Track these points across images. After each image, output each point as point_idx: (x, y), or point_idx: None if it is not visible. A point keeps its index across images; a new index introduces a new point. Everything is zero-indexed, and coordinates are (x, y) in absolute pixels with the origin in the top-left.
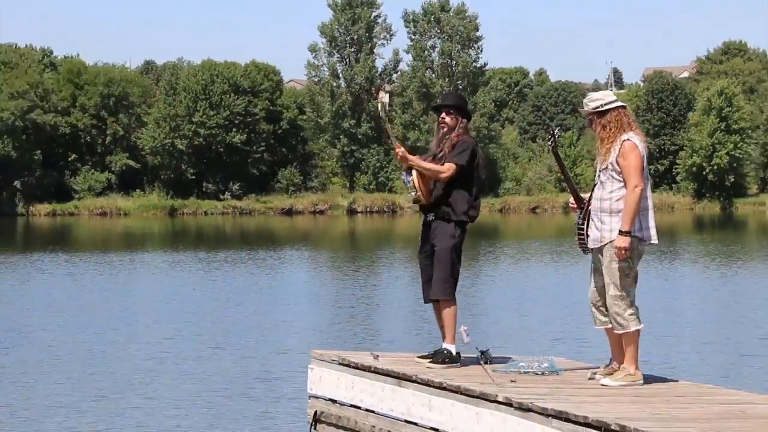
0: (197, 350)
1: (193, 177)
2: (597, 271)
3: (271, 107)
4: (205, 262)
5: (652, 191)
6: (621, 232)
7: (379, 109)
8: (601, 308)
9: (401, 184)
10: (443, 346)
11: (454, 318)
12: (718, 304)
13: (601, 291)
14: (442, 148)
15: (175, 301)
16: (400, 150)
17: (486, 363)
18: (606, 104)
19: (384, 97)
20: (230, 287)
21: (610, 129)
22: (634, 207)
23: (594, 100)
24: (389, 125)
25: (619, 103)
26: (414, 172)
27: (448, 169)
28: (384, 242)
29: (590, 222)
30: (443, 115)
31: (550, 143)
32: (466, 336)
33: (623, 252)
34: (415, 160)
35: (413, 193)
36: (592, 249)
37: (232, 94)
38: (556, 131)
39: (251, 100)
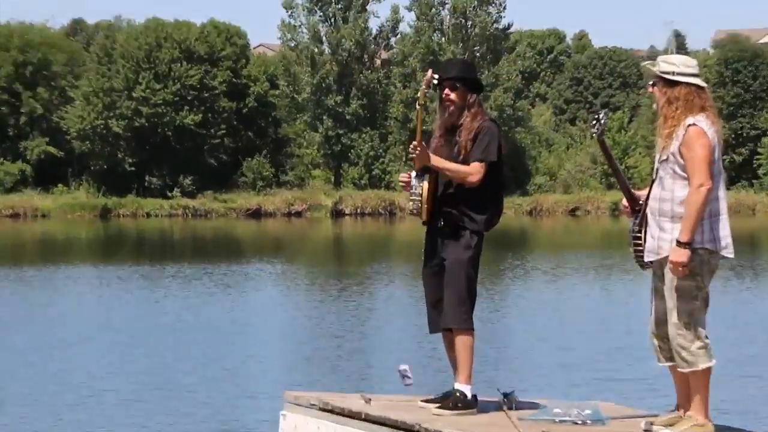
0: (136, 394)
1: (133, 169)
2: (657, 291)
3: (233, 79)
4: (148, 279)
5: (727, 189)
6: (678, 243)
7: (422, 90)
8: (665, 339)
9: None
10: (455, 387)
11: (471, 351)
12: None
13: (664, 317)
14: (457, 140)
15: (108, 329)
16: (422, 147)
17: (510, 409)
18: (681, 74)
19: (431, 78)
20: (180, 312)
21: (677, 108)
22: (697, 211)
23: (670, 63)
24: (422, 112)
25: (698, 81)
26: (427, 178)
27: (476, 171)
28: (379, 254)
29: (647, 228)
30: (446, 90)
31: (595, 130)
32: (406, 378)
33: (681, 269)
34: (438, 161)
35: (414, 205)
36: (650, 263)
37: (184, 63)
38: (602, 115)
39: (209, 71)
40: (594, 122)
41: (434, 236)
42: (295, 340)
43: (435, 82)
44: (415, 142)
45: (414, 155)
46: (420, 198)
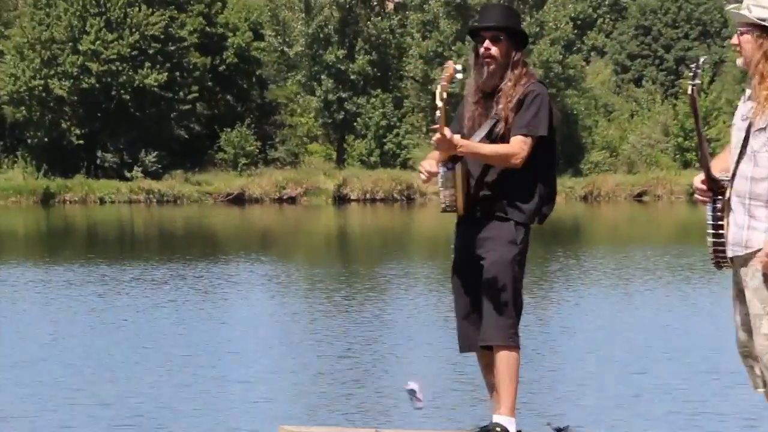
0: (96, 428)
1: (81, 142)
2: (741, 296)
3: (207, 28)
4: (103, 284)
5: None
6: None
7: (442, 87)
8: (756, 358)
9: (421, 154)
10: (495, 420)
11: (516, 375)
12: None
13: (751, 329)
14: (494, 106)
15: (53, 349)
16: (447, 133)
17: None
18: None
19: (454, 71)
20: (144, 325)
21: None
22: None
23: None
24: (445, 110)
25: None
26: (458, 167)
27: (519, 149)
28: (394, 251)
29: (731, 215)
30: (486, 43)
31: (695, 81)
32: (415, 399)
33: None
34: (469, 147)
35: (448, 198)
36: (731, 259)
37: (144, 7)
38: (702, 61)
39: (175, 17)
40: (694, 68)
41: (468, 230)
42: (292, 362)
43: (459, 76)
44: (437, 135)
45: (437, 148)
46: (453, 189)
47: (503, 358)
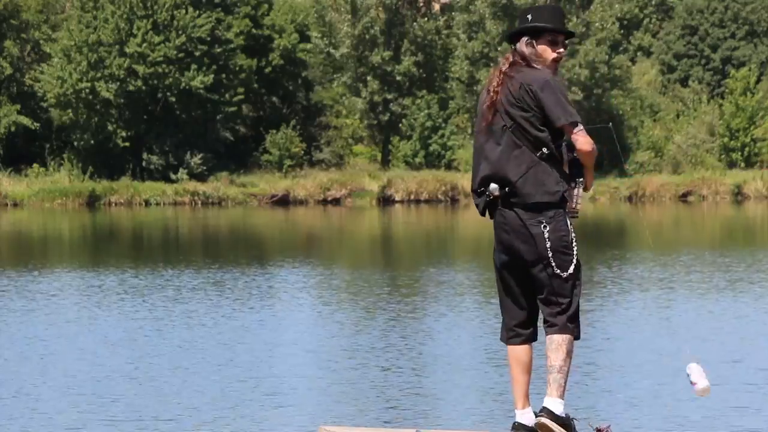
0: (139, 427)
1: (127, 144)
2: None
3: (254, 30)
4: (147, 288)
5: None
6: None
7: None
8: None
9: (466, 155)
10: (546, 405)
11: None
12: None
13: None
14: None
15: (101, 348)
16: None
17: None
18: None
19: None
20: (190, 328)
21: None
22: None
23: None
24: None
25: None
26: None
27: (585, 142)
28: (439, 253)
29: None
30: (562, 49)
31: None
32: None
33: None
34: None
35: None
36: None
37: (191, 9)
38: None
39: (221, 19)
40: None
41: (516, 224)
42: (334, 365)
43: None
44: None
45: None
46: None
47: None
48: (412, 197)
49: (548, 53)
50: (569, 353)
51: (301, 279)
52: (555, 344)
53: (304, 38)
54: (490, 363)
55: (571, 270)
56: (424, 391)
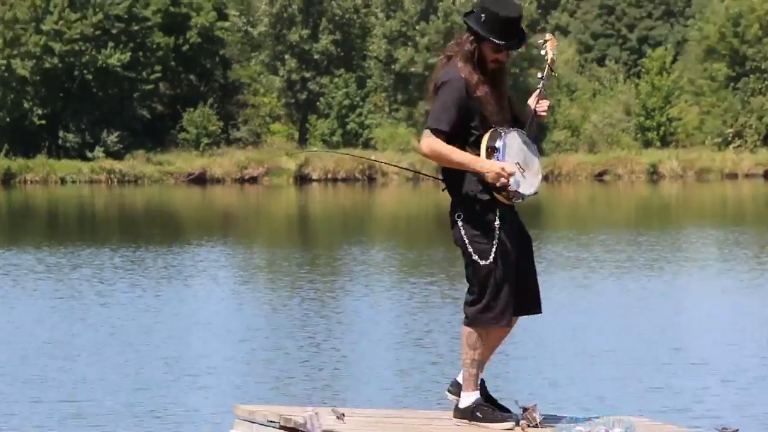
0: (50, 412)
1: (43, 122)
2: None
3: (171, 8)
4: (63, 266)
5: None
6: None
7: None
8: None
9: (384, 134)
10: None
11: None
12: None
13: None
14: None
15: (17, 328)
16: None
17: (531, 426)
18: None
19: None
20: (105, 306)
21: None
22: None
23: None
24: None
25: None
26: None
27: (421, 144)
28: (356, 232)
29: None
30: (503, 58)
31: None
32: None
33: None
34: None
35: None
36: None
37: None
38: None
39: None
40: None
41: (513, 212)
42: (250, 343)
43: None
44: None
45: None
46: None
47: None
48: (330, 176)
49: (488, 56)
50: (472, 345)
51: (218, 258)
52: (462, 336)
53: (222, 16)
54: (409, 342)
55: (488, 260)
56: (342, 370)
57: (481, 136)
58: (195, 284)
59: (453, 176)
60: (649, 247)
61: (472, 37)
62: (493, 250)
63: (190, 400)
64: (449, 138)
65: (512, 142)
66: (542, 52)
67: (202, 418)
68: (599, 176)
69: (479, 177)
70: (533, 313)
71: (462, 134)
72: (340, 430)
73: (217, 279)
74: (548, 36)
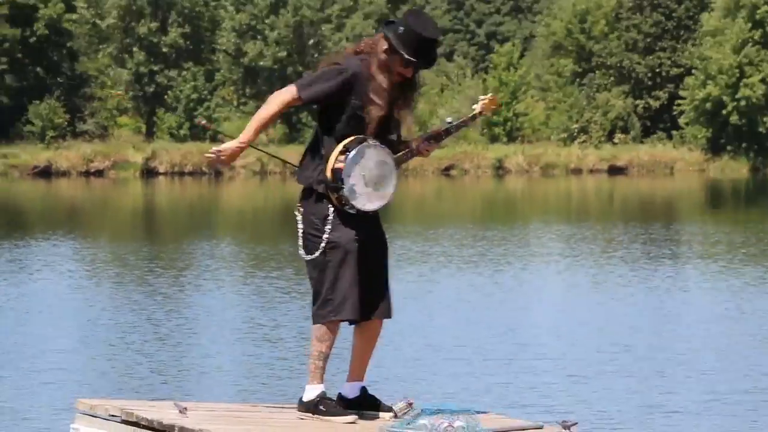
0: None
1: None
2: None
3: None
4: None
5: (640, 142)
6: None
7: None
8: None
9: (232, 127)
10: (365, 385)
11: None
12: (738, 328)
13: None
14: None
15: None
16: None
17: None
18: None
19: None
20: None
21: None
22: None
23: None
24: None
25: None
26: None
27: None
28: (202, 226)
29: None
30: (409, 74)
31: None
32: None
33: None
34: None
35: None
36: None
37: None
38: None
39: None
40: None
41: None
42: (94, 337)
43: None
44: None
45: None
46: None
47: (379, 331)
48: (177, 169)
49: (395, 68)
50: (319, 338)
51: (63, 252)
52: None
53: (70, 8)
54: (256, 337)
55: (321, 253)
56: (187, 365)
57: (345, 137)
58: (40, 279)
59: (302, 165)
60: (496, 243)
61: (386, 47)
62: (323, 244)
63: (32, 395)
64: (322, 116)
65: (371, 155)
66: (473, 105)
67: (43, 413)
68: (446, 171)
69: (323, 169)
70: (381, 317)
71: (333, 125)
72: (182, 424)
73: (63, 273)
74: (491, 95)
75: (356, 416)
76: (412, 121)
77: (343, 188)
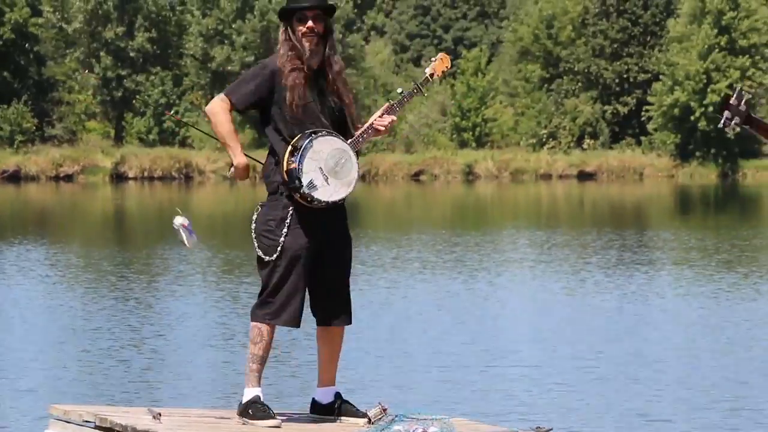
0: None
1: None
2: None
3: None
4: None
5: (610, 147)
6: None
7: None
8: None
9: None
10: (336, 391)
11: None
12: (713, 335)
13: None
14: (327, 82)
15: None
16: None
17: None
18: None
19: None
20: None
21: None
22: None
23: None
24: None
25: None
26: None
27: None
28: (171, 229)
29: None
30: (310, 23)
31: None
32: (189, 233)
33: None
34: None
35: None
36: None
37: None
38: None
39: None
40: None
41: (329, 212)
42: (66, 343)
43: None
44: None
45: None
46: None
47: (342, 335)
48: (146, 174)
49: (300, 31)
50: (252, 339)
51: (33, 257)
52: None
53: (36, 12)
54: (231, 343)
55: (272, 256)
56: (161, 371)
57: (292, 135)
58: (10, 284)
59: (264, 169)
60: (470, 248)
61: (283, 28)
62: (279, 248)
63: (5, 401)
64: (264, 120)
65: (322, 146)
66: (426, 68)
67: (16, 419)
68: (416, 176)
69: (279, 170)
70: (340, 325)
71: (277, 126)
72: (155, 429)
73: (34, 279)
74: (441, 55)
75: (279, 421)
76: (351, 98)
77: (302, 186)
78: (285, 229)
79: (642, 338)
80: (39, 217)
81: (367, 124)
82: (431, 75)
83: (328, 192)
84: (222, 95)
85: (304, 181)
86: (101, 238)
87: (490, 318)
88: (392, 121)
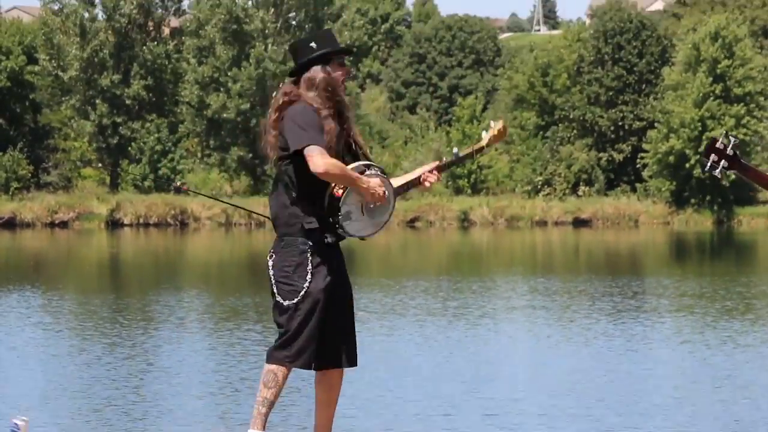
0: None
1: None
2: None
3: None
4: None
5: (605, 194)
6: None
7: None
8: None
9: (196, 179)
10: None
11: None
12: (715, 380)
13: None
14: (347, 125)
15: None
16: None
17: None
18: None
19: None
20: None
21: None
22: None
23: None
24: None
25: None
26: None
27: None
28: (168, 278)
29: None
30: (345, 69)
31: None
32: None
33: None
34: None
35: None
36: None
37: None
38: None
39: None
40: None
41: (337, 253)
42: (60, 389)
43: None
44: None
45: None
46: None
47: (341, 379)
48: (141, 221)
49: (337, 76)
50: (266, 384)
51: (29, 304)
52: (262, 373)
53: (32, 60)
54: (225, 390)
55: (293, 300)
56: (157, 417)
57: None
58: (5, 331)
59: (276, 216)
60: (466, 295)
61: (318, 66)
62: (301, 292)
63: None
64: (296, 160)
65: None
66: (483, 132)
67: None
68: (411, 223)
69: (308, 213)
70: (347, 366)
71: (300, 163)
72: None
73: (29, 325)
74: (501, 124)
75: None
76: (358, 132)
77: (339, 214)
78: (308, 275)
79: (639, 385)
80: (35, 264)
81: (412, 175)
82: (487, 145)
83: (357, 227)
84: (315, 147)
85: (343, 210)
86: (98, 284)
87: (487, 364)
88: (438, 179)
